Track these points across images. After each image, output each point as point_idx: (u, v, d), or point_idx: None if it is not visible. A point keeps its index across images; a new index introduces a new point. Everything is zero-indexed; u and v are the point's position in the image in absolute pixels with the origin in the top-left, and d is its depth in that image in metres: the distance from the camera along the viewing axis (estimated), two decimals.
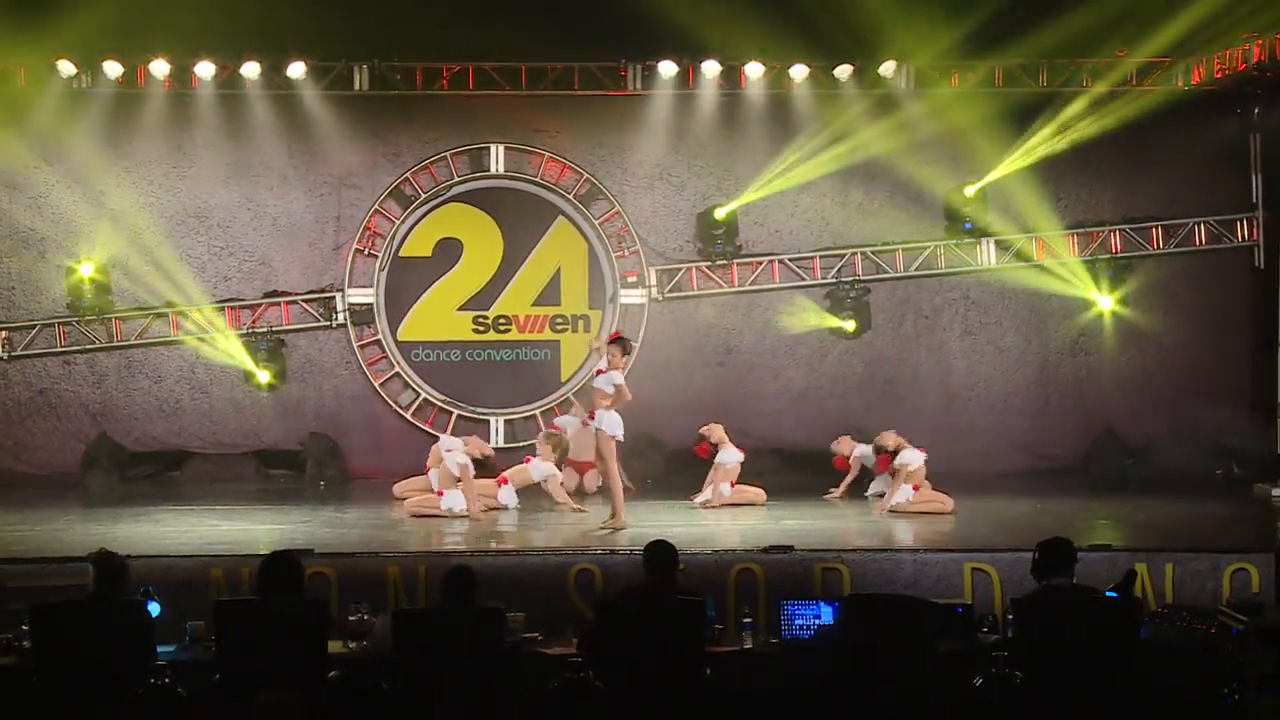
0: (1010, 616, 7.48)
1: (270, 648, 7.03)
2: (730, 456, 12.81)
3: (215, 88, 14.57)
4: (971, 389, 15.67)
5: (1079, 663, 6.95)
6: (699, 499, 12.72)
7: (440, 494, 11.88)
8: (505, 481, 12.56)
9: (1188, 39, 13.94)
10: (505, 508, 12.41)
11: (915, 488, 12.06)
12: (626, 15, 13.33)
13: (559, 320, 15.53)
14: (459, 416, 15.20)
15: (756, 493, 12.80)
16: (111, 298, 14.91)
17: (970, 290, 15.76)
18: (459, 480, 11.77)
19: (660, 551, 7.70)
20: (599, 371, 11.15)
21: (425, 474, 12.78)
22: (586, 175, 15.40)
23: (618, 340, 11.25)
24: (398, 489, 13.01)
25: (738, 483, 12.82)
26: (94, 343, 15.04)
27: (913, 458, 12.12)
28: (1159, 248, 15.71)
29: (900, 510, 11.95)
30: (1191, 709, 7.55)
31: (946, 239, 15.57)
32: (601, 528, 10.91)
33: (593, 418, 11.13)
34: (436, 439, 13.22)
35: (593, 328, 15.39)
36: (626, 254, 15.46)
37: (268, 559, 7.35)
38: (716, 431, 13.00)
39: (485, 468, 12.37)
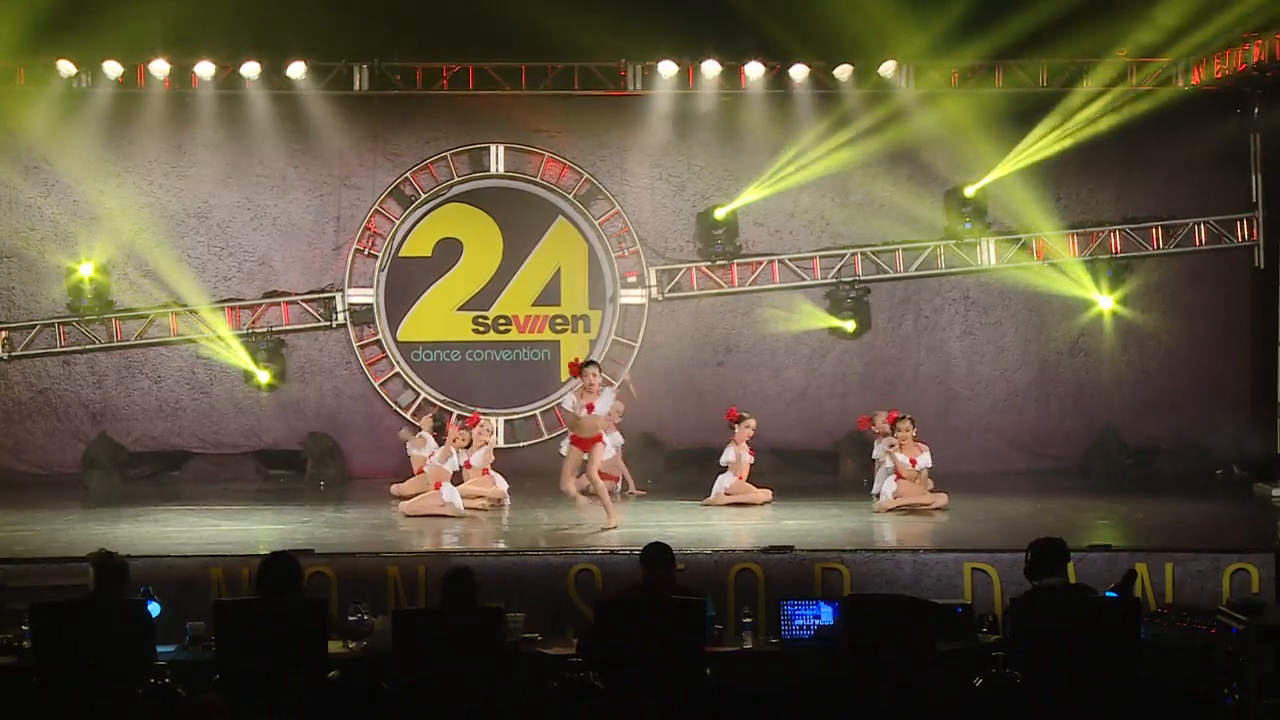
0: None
1: (270, 648, 7.03)
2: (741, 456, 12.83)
3: (215, 88, 14.55)
4: (971, 389, 15.67)
5: (1076, 662, 6.95)
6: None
7: (439, 486, 11.88)
8: (487, 472, 12.77)
9: (1188, 38, 13.94)
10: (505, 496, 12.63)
11: (913, 462, 12.09)
12: (628, 15, 13.34)
13: (559, 320, 15.52)
14: (459, 417, 15.16)
15: (761, 493, 12.77)
16: (111, 298, 14.92)
17: (970, 290, 15.75)
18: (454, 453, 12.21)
19: (657, 552, 7.75)
20: (589, 407, 11.14)
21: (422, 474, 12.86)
22: (586, 175, 15.39)
23: (587, 364, 11.40)
24: (396, 489, 13.02)
25: (745, 478, 12.81)
26: (94, 343, 15.04)
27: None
28: (1159, 248, 15.71)
29: (889, 508, 11.95)
30: (1191, 709, 7.55)
31: (946, 239, 15.56)
32: (602, 529, 10.90)
33: (601, 441, 11.39)
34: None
35: (593, 328, 15.41)
36: (626, 254, 15.45)
37: (267, 559, 7.37)
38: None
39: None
